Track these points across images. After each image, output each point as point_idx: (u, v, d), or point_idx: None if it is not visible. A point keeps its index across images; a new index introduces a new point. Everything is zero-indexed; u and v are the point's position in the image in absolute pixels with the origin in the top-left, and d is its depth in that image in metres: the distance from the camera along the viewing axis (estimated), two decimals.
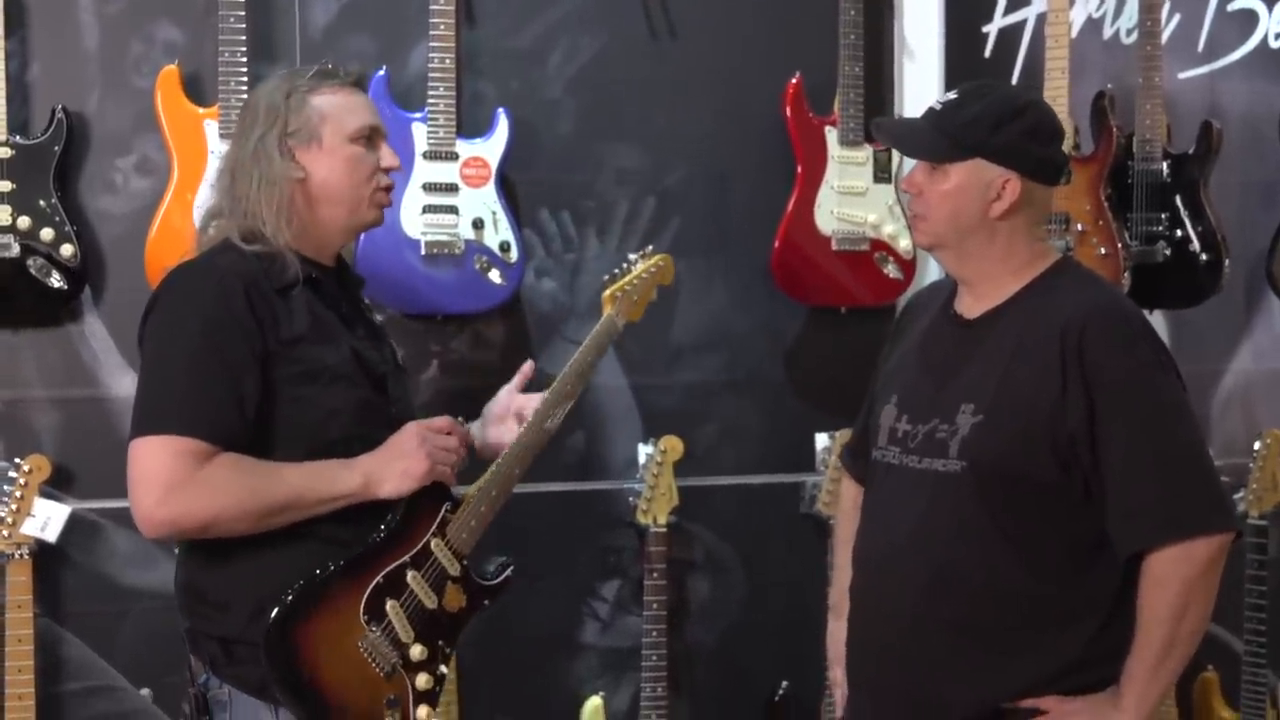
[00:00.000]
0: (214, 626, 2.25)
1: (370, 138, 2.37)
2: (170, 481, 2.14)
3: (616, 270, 2.64)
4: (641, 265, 2.64)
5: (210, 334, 2.18)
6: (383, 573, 2.26)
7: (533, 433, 2.43)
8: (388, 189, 2.40)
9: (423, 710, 2.30)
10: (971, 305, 2.31)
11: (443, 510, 2.34)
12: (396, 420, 2.33)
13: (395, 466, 2.27)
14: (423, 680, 2.30)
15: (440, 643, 2.32)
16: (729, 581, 3.52)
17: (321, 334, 2.27)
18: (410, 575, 2.29)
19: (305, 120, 2.32)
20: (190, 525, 2.18)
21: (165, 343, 2.23)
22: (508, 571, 2.42)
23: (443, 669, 2.33)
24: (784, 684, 3.47)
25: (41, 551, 3.01)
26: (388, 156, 2.39)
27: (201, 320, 2.19)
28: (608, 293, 2.58)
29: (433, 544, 2.32)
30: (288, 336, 2.23)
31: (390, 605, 2.26)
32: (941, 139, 2.23)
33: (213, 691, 2.26)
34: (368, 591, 2.24)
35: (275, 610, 2.17)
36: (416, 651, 2.29)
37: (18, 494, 2.98)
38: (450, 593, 2.33)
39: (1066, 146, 3.37)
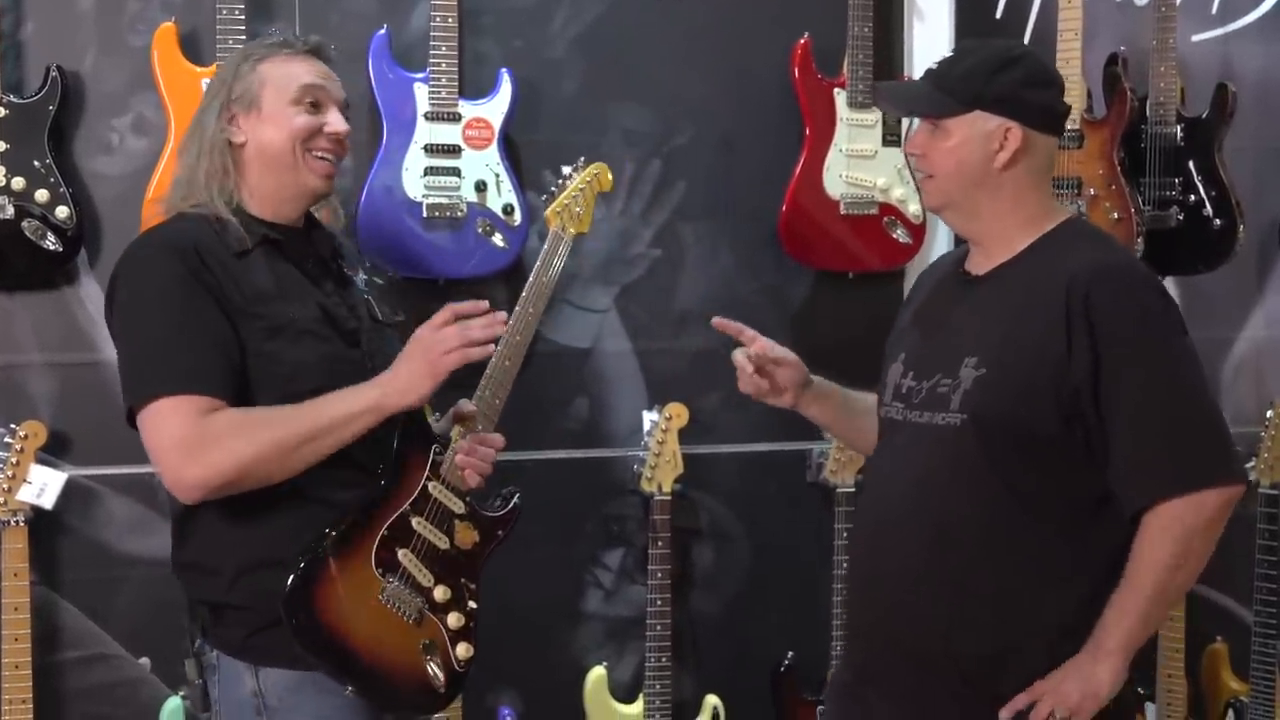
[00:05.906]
0: (204, 591, 2.26)
1: (317, 102, 2.31)
2: (188, 441, 2.12)
3: (553, 189, 2.63)
4: (577, 178, 2.65)
5: (179, 291, 2.16)
6: (386, 524, 2.27)
7: (499, 367, 2.42)
8: (324, 154, 2.32)
9: (461, 648, 2.33)
10: (981, 262, 2.31)
11: (431, 453, 2.34)
12: (374, 374, 2.27)
13: (409, 368, 2.21)
14: (454, 619, 2.33)
15: (463, 580, 2.35)
16: (734, 550, 3.50)
17: (284, 290, 2.25)
18: (415, 521, 2.30)
19: (248, 86, 2.29)
20: (222, 480, 2.14)
21: (137, 310, 2.20)
22: (515, 500, 2.44)
23: (472, 604, 2.35)
24: (790, 654, 3.45)
25: (38, 518, 2.99)
26: (334, 121, 2.32)
27: (167, 281, 2.17)
28: (549, 211, 2.59)
29: (430, 487, 2.33)
30: (249, 293, 2.21)
31: (402, 554, 2.28)
32: (938, 95, 2.25)
33: (205, 656, 2.29)
34: (375, 545, 2.26)
35: (289, 584, 2.17)
36: (440, 593, 2.31)
37: (13, 460, 2.95)
38: (460, 531, 2.35)
39: (1078, 109, 3.37)
